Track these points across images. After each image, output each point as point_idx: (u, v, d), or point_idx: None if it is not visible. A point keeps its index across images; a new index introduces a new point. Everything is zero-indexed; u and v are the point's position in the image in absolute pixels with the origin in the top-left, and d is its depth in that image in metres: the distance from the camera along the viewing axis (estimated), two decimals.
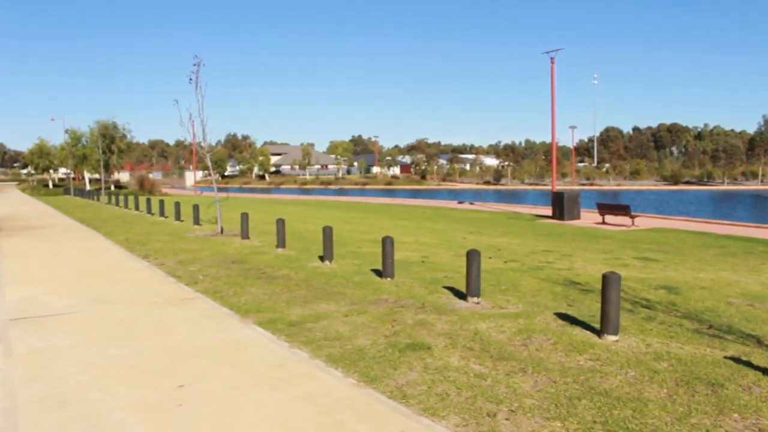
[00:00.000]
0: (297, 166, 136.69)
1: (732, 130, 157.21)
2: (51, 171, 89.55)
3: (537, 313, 7.95)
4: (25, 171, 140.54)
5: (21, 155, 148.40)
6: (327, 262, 12.01)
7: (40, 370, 6.01)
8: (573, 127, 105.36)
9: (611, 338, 6.68)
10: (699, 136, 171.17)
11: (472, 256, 8.45)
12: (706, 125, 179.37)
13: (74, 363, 6.19)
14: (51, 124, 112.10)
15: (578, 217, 28.13)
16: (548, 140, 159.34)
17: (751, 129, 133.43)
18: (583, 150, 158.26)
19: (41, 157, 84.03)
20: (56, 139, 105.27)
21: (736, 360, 5.98)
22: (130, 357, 6.34)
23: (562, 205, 28.17)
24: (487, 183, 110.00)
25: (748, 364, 5.84)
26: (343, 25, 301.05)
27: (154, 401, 5.12)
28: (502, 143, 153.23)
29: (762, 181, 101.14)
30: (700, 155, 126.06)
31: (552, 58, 31.56)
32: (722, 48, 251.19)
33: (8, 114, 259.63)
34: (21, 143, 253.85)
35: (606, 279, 6.71)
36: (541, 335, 6.88)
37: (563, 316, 7.74)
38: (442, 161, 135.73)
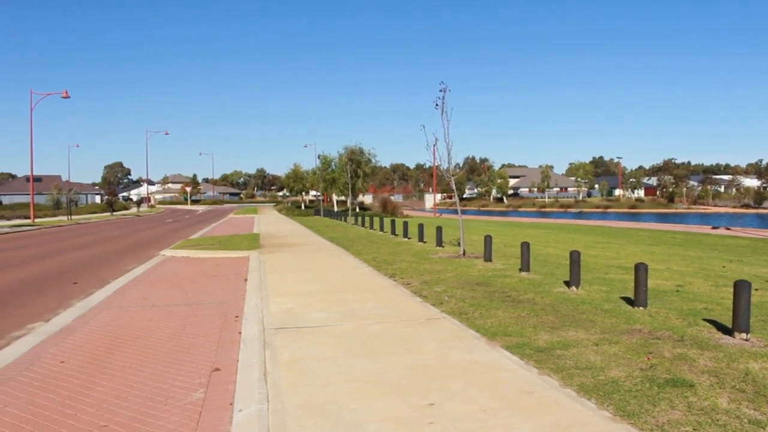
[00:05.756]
0: (535, 189, 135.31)
1: None
2: (303, 194, 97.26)
3: None
4: (280, 193, 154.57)
5: (277, 179, 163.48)
6: (573, 288, 11.64)
7: (301, 377, 6.45)
8: None
9: None
10: None
11: (741, 287, 7.68)
12: None
13: (331, 373, 6.56)
14: (304, 150, 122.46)
15: None
16: None
17: None
18: None
19: (296, 181, 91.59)
20: (308, 163, 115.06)
21: None
22: (381, 371, 6.59)
23: None
24: (746, 206, 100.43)
25: None
26: (582, 43, 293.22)
27: (406, 417, 5.24)
28: (765, 161, 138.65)
29: None
30: None
31: None
32: None
33: (269, 141, 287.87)
34: (278, 168, 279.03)
35: None
36: None
37: None
38: (693, 183, 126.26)
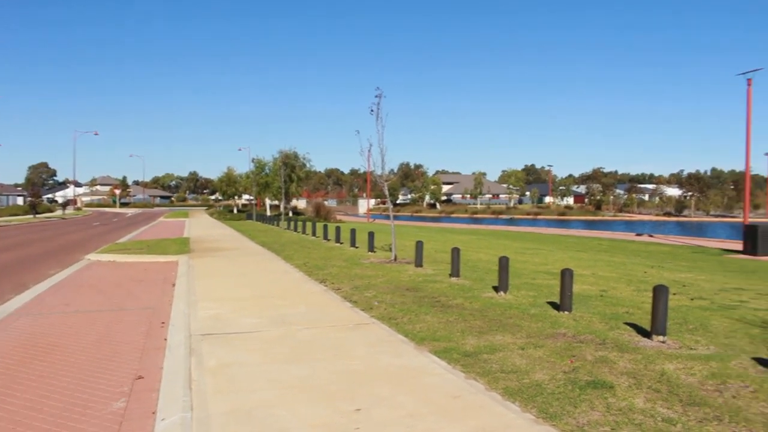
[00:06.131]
0: (468, 195, 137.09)
1: None
2: (236, 197, 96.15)
3: (732, 356, 7.32)
4: (213, 197, 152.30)
5: (210, 182, 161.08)
6: (502, 293, 11.84)
7: (227, 383, 6.35)
8: None
9: None
10: None
11: (660, 292, 7.97)
12: None
13: (258, 379, 6.49)
14: (239, 153, 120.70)
15: None
16: (739, 168, 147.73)
17: None
18: None
19: (229, 185, 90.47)
20: (242, 167, 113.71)
21: None
22: (310, 377, 6.55)
23: (755, 239, 25.96)
24: (668, 214, 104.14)
25: None
26: (513, 54, 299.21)
27: (332, 423, 5.22)
28: (686, 172, 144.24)
29: None
30: None
31: (749, 80, 29.26)
32: None
33: (202, 144, 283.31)
34: (211, 171, 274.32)
35: None
36: (737, 381, 6.31)
37: (763, 362, 7.05)
38: (619, 191, 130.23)
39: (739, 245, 29.00)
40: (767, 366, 6.88)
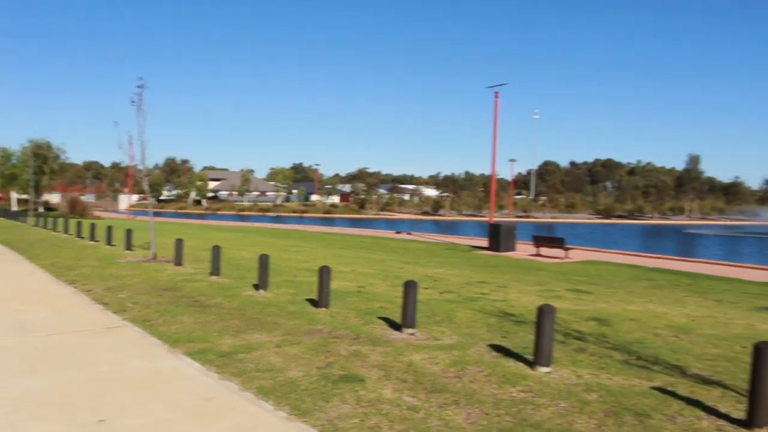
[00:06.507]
0: (235, 192, 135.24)
1: (663, 167, 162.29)
2: None
3: (471, 344, 7.98)
4: None
5: None
6: (262, 291, 11.82)
7: None
8: (512, 161, 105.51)
9: (544, 370, 6.74)
10: (632, 171, 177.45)
11: (409, 287, 8.44)
12: (639, 161, 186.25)
13: None
14: None
15: (514, 249, 28.57)
16: (488, 172, 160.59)
17: (681, 166, 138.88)
18: (521, 183, 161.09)
19: None
20: None
21: (662, 390, 6.15)
22: (47, 390, 6.03)
23: (498, 237, 28.56)
24: (426, 213, 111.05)
25: (673, 394, 6.02)
26: (284, 51, 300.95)
27: None
28: (442, 174, 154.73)
29: (689, 216, 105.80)
30: (632, 190, 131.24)
31: (496, 92, 32.10)
32: (658, 87, 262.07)
33: None
34: None
35: (541, 311, 6.78)
36: (474, 367, 6.89)
37: (497, 348, 7.79)
38: (382, 191, 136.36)
39: (485, 242, 31.69)
40: (500, 351, 7.60)
